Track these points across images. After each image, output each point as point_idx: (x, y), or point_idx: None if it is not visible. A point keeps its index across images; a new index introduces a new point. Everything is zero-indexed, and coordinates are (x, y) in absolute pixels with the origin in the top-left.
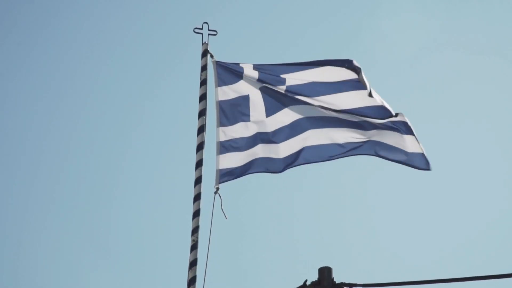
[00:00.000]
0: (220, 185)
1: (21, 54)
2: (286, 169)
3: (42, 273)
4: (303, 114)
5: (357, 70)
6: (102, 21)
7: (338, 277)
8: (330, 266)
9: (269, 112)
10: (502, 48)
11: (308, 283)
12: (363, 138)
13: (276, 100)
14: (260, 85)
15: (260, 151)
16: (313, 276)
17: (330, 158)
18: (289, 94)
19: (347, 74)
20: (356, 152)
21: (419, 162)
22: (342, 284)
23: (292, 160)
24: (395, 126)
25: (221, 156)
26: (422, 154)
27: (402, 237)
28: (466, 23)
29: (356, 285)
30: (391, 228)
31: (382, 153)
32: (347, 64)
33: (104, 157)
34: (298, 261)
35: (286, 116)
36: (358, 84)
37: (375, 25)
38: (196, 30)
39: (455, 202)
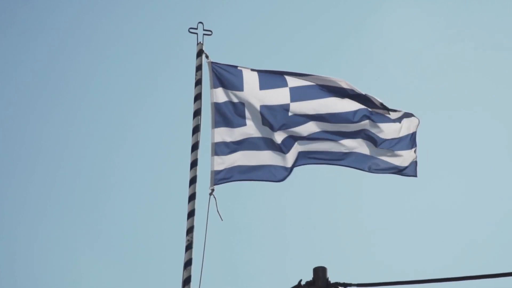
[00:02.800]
0: (215, 186)
1: (16, 54)
2: (285, 178)
3: (39, 272)
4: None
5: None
6: (97, 21)
7: (332, 277)
8: (325, 266)
9: (265, 119)
10: (504, 42)
11: (303, 282)
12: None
13: (273, 110)
14: (258, 92)
15: (254, 156)
16: (308, 276)
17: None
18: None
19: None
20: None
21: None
22: (337, 284)
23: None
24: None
25: (216, 157)
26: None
27: (396, 237)
28: (467, 18)
29: (350, 285)
30: (385, 228)
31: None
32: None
33: (99, 156)
34: (292, 260)
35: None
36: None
37: (376, 22)
38: (191, 30)
39: (450, 204)
